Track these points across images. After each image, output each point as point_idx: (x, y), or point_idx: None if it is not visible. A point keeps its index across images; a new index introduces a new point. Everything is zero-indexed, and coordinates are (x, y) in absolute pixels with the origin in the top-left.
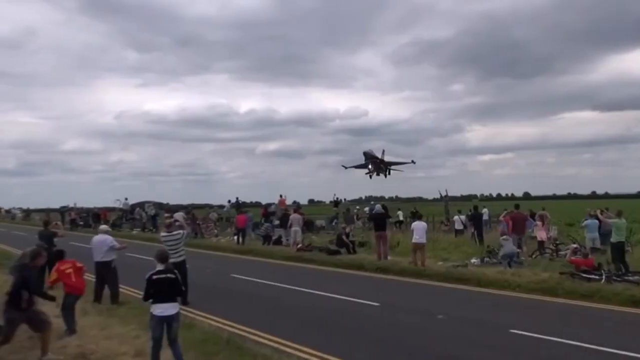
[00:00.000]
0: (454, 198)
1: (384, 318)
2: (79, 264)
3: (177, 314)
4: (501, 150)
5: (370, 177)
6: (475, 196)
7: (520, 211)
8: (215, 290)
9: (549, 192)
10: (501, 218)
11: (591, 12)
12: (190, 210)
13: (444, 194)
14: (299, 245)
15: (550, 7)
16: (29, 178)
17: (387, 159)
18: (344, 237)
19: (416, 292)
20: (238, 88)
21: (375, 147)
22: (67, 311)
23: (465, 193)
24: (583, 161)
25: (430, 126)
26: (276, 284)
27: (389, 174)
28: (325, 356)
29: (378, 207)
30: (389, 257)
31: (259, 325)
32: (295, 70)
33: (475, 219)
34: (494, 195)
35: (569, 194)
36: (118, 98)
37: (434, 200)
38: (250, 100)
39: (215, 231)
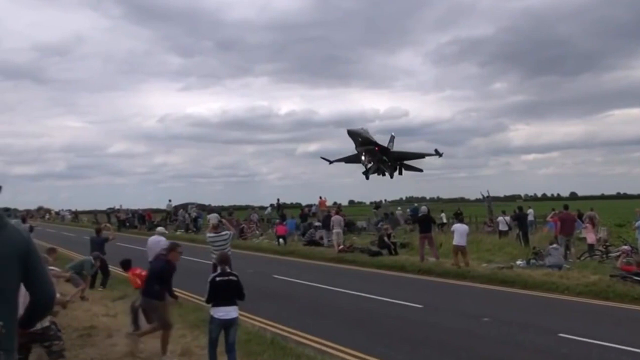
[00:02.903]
0: (497, 198)
1: (427, 320)
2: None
3: (237, 318)
4: (546, 150)
5: (367, 176)
6: (519, 196)
7: (569, 212)
8: (258, 291)
9: (597, 192)
10: (549, 219)
11: (638, 4)
12: (231, 211)
13: (485, 194)
14: (341, 247)
15: (595, 1)
16: (77, 180)
17: (396, 148)
18: (385, 238)
19: (460, 294)
20: (278, 90)
21: (416, 147)
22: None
23: (508, 193)
24: (633, 159)
25: (472, 126)
26: (318, 285)
27: (400, 173)
28: (368, 358)
29: (424, 208)
30: (439, 258)
31: (301, 326)
32: (334, 72)
33: (520, 220)
34: (539, 195)
35: (618, 193)
36: (161, 102)
37: (477, 200)
38: (290, 101)
39: (257, 232)
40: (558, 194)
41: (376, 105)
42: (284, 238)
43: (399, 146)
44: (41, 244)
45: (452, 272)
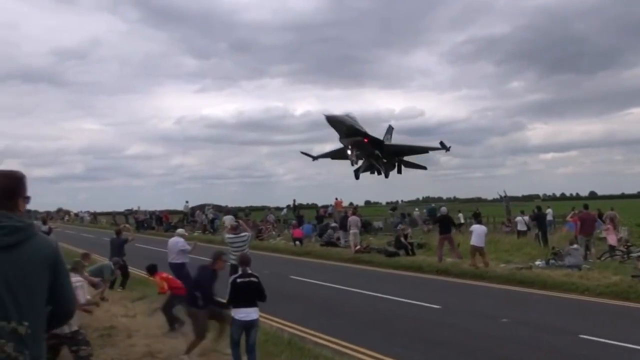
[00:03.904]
0: (515, 198)
1: (445, 321)
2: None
3: (258, 319)
4: (564, 149)
5: (357, 175)
6: (537, 196)
7: (589, 211)
8: (275, 292)
9: (617, 191)
10: (569, 218)
11: None
12: (248, 212)
13: (502, 194)
14: (357, 247)
15: None
16: (95, 182)
17: (394, 142)
18: (402, 238)
19: (478, 294)
20: (293, 91)
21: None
22: (171, 311)
23: (526, 193)
24: None
25: (488, 125)
26: (335, 285)
27: (399, 171)
28: (385, 358)
29: (444, 209)
30: (462, 258)
31: (318, 327)
32: (349, 72)
33: (539, 220)
34: (558, 195)
35: (639, 192)
36: (178, 104)
37: (494, 200)
38: (305, 102)
39: (274, 233)
40: (577, 194)
41: (391, 105)
42: (300, 240)
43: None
44: (70, 249)
45: (469, 273)
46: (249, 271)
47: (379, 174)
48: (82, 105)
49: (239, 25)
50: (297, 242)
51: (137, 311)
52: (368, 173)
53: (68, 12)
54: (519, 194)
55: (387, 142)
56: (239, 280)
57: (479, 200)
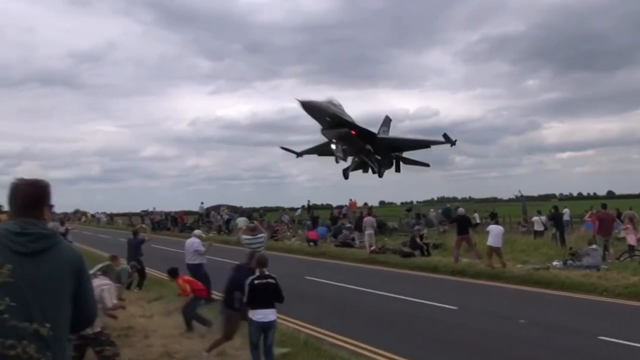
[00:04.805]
0: (531, 198)
1: (461, 322)
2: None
3: (275, 320)
4: (581, 148)
5: (346, 174)
6: (553, 195)
7: (607, 211)
8: (291, 293)
9: (635, 191)
10: (587, 218)
11: None
12: (263, 213)
13: (519, 194)
14: (372, 248)
15: None
16: (111, 184)
17: (391, 135)
18: (417, 239)
19: (494, 295)
20: (307, 91)
21: (450, 148)
22: (195, 311)
23: (542, 192)
24: None
25: (504, 124)
26: (350, 286)
27: (398, 169)
28: (400, 359)
29: (462, 210)
30: (482, 258)
31: (334, 327)
32: (362, 72)
33: (556, 220)
34: (574, 194)
35: None
36: (192, 105)
37: (509, 200)
38: None
39: (288, 233)
40: (594, 193)
41: (405, 105)
42: (315, 242)
43: (432, 149)
44: (88, 250)
45: (485, 273)
46: (267, 272)
47: (374, 172)
48: (98, 107)
49: (252, 26)
50: (312, 243)
51: (154, 311)
52: (345, 172)
53: (84, 15)
54: (535, 194)
55: (382, 135)
56: (256, 281)
57: (494, 200)
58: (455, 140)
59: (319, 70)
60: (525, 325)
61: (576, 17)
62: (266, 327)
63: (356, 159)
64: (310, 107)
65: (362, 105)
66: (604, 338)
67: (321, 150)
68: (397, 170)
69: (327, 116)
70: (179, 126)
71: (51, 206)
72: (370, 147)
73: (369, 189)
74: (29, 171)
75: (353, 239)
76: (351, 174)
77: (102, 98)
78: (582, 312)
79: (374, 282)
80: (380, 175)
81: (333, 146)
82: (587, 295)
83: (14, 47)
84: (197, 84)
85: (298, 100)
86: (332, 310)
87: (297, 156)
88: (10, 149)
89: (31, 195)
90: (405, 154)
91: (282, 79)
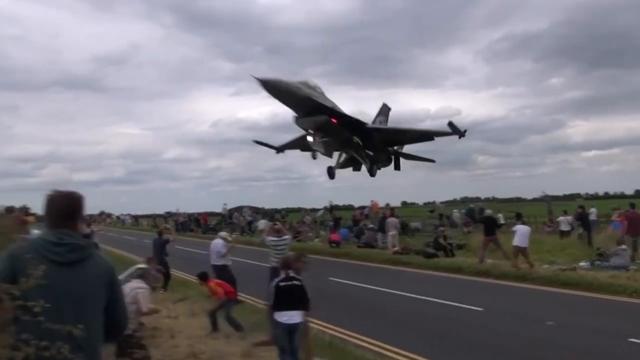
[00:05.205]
0: (556, 197)
1: (487, 323)
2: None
3: (301, 323)
4: (607, 146)
5: (331, 174)
6: (578, 195)
7: (636, 210)
8: (314, 294)
9: None
10: (615, 218)
11: None
12: (285, 214)
13: (544, 194)
14: (395, 248)
15: None
16: (135, 186)
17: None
18: (441, 240)
19: (521, 296)
20: (328, 92)
21: (470, 147)
22: (229, 314)
23: (567, 192)
24: None
25: (527, 123)
26: (374, 287)
27: (397, 167)
28: None
29: (489, 211)
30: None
31: (359, 329)
32: (383, 72)
33: (583, 219)
34: (601, 193)
35: None
36: (213, 107)
37: (533, 200)
38: (339, 103)
39: (311, 234)
40: (622, 192)
41: (427, 104)
42: (337, 243)
43: (454, 147)
44: (114, 252)
45: (510, 274)
46: (291, 274)
47: (357, 167)
48: (121, 110)
49: (273, 28)
50: (334, 245)
51: (179, 312)
52: (330, 171)
53: (107, 20)
54: (560, 193)
55: (375, 125)
56: (281, 284)
57: (518, 200)
58: (465, 131)
59: (340, 71)
60: (553, 327)
61: (600, 14)
62: (292, 329)
63: (344, 154)
64: (273, 88)
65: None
66: (634, 340)
67: (303, 144)
68: (397, 167)
69: (298, 100)
70: (201, 128)
71: (84, 218)
72: (359, 140)
73: (391, 189)
74: (54, 174)
75: (376, 240)
76: (367, 176)
77: (125, 101)
78: (611, 313)
79: (398, 283)
80: (373, 174)
81: (310, 138)
82: (616, 297)
83: (39, 51)
84: (219, 86)
85: (257, 79)
86: (357, 311)
87: (277, 152)
88: (37, 152)
89: (66, 208)
90: (407, 149)
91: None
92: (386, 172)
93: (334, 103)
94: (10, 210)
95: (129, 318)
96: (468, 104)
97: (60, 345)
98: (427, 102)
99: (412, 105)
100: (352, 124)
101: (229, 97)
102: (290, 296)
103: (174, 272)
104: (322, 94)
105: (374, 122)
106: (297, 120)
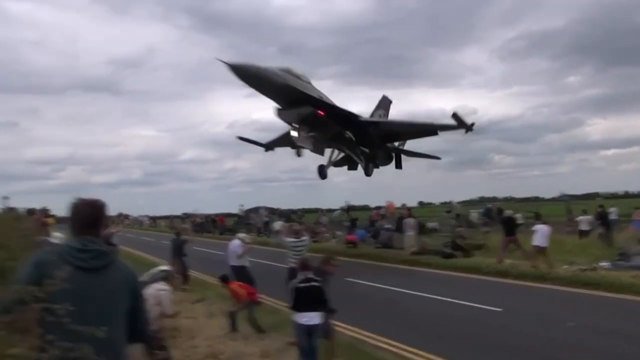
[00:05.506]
0: (574, 197)
1: (507, 324)
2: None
3: (320, 324)
4: (626, 144)
5: (322, 173)
6: (597, 194)
7: None
8: (332, 294)
9: None
10: (636, 217)
11: None
12: (301, 215)
13: (562, 195)
14: (413, 249)
15: None
16: (152, 187)
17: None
18: (458, 240)
19: (541, 297)
20: (342, 92)
21: (487, 146)
22: (253, 316)
23: (586, 191)
24: None
25: (544, 122)
26: (392, 287)
27: (399, 165)
28: None
29: (509, 211)
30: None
31: (377, 330)
32: (398, 72)
33: (603, 219)
34: (620, 192)
35: None
36: (229, 109)
37: (552, 199)
38: (354, 104)
39: (327, 235)
40: None
41: (442, 104)
42: (354, 243)
43: (470, 146)
44: (134, 253)
45: (529, 274)
46: (310, 275)
47: (369, 168)
48: (139, 112)
49: (287, 29)
50: (351, 245)
51: (197, 313)
52: (321, 170)
53: (123, 23)
54: (578, 192)
55: (371, 119)
56: (300, 285)
57: (536, 199)
58: (472, 124)
59: (354, 71)
60: (575, 329)
61: (618, 11)
62: (311, 330)
63: (336, 151)
64: (244, 74)
65: (400, 105)
66: None
67: (291, 140)
68: (398, 166)
69: (277, 89)
70: (217, 129)
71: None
72: (352, 135)
73: (408, 189)
74: (73, 176)
75: (393, 240)
76: (383, 176)
77: (141, 103)
78: (634, 314)
79: (417, 283)
80: (368, 173)
81: (294, 133)
82: (639, 297)
83: (57, 55)
84: (234, 87)
85: (225, 64)
86: (375, 312)
87: (266, 150)
88: (56, 154)
89: (90, 216)
90: (408, 146)
91: (316, 80)
92: (402, 172)
93: (321, 93)
94: (31, 212)
95: (150, 324)
96: (484, 103)
97: (84, 347)
98: (442, 101)
99: (428, 105)
100: (343, 117)
101: (244, 98)
102: (309, 297)
103: (192, 273)
104: (309, 83)
105: (372, 116)
106: (279, 113)
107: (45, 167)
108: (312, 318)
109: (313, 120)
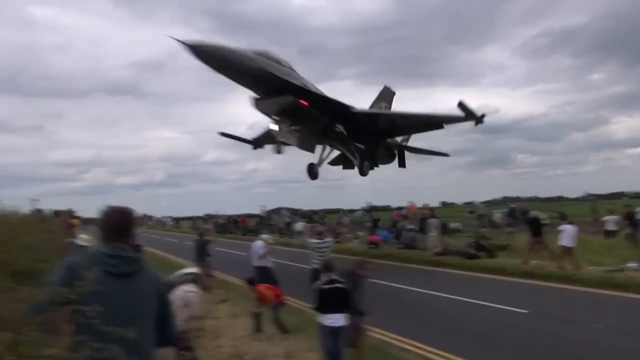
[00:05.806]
0: (600, 196)
1: (534, 326)
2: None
3: (345, 326)
4: None
5: (313, 172)
6: (622, 194)
7: None
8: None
9: None
10: None
11: None
12: (324, 215)
13: (587, 195)
14: (436, 249)
15: None
16: (175, 188)
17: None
18: (482, 240)
19: (567, 298)
20: (363, 92)
21: (510, 145)
22: (278, 317)
23: (612, 190)
24: None
25: (568, 120)
26: (415, 288)
27: (402, 164)
28: None
29: (535, 212)
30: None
31: (402, 331)
32: (418, 71)
33: (631, 219)
34: None
35: None
36: (251, 110)
37: (576, 199)
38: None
39: (349, 235)
40: None
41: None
42: (377, 244)
43: (491, 146)
44: (159, 255)
45: (555, 276)
46: (334, 277)
47: (348, 166)
48: (162, 114)
49: (307, 29)
50: (373, 246)
51: (221, 313)
52: (311, 170)
53: (146, 27)
54: (604, 192)
55: (365, 110)
56: (324, 286)
57: (560, 199)
58: (483, 115)
59: (374, 71)
60: (603, 331)
61: None
62: (336, 332)
63: (328, 148)
64: (208, 57)
65: (421, 105)
66: None
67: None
68: (401, 164)
69: (251, 74)
70: (238, 130)
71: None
72: (343, 129)
73: (430, 189)
74: (97, 178)
75: (415, 241)
76: (408, 175)
77: (164, 106)
78: None
79: (440, 284)
80: (363, 173)
81: (274, 126)
82: None
83: (81, 59)
84: None
85: (184, 44)
86: (399, 313)
87: (255, 147)
88: (80, 156)
89: (119, 223)
90: (411, 142)
91: (337, 81)
92: (423, 172)
93: (305, 81)
94: (57, 214)
95: (177, 327)
96: (506, 102)
97: (114, 348)
98: (464, 100)
99: (450, 104)
100: (332, 108)
101: None
102: (333, 299)
103: (216, 274)
104: (291, 69)
105: (371, 106)
106: (256, 103)
107: (70, 169)
108: (337, 320)
109: (295, 112)
